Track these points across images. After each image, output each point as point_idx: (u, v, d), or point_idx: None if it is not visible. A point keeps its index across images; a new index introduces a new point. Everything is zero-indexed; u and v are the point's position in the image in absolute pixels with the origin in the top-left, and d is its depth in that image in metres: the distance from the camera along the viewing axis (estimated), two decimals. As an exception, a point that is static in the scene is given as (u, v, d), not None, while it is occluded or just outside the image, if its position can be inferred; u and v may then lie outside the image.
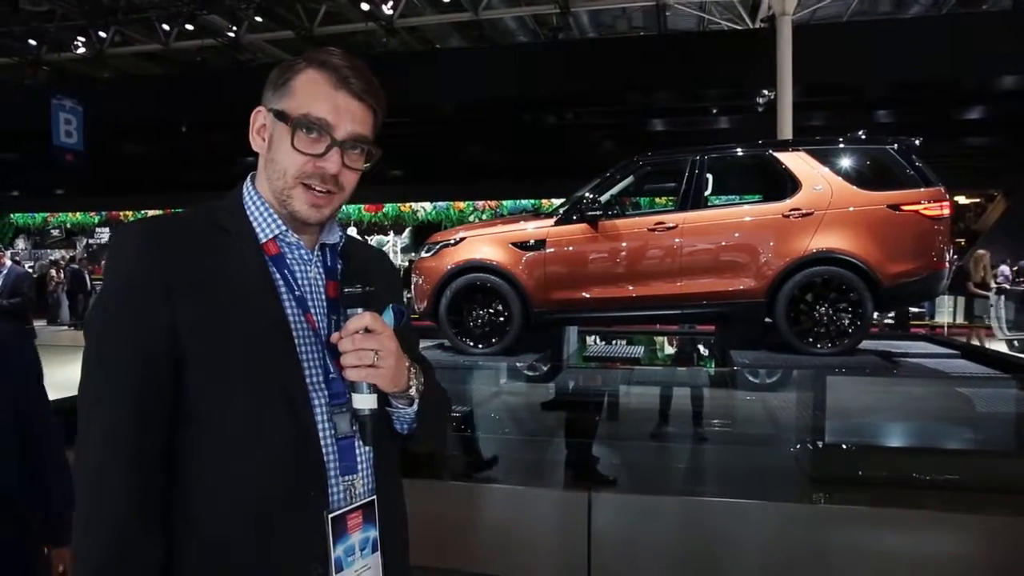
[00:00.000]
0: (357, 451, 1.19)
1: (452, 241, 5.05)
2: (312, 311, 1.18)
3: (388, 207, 21.76)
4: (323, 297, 1.21)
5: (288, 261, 1.19)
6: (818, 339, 4.38)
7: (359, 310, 1.13)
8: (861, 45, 12.91)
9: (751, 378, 5.30)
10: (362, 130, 1.17)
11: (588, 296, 4.73)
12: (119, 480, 1.05)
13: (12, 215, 24.67)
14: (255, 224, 1.19)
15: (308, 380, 1.15)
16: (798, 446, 3.97)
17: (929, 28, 13.61)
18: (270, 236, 1.19)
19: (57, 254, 23.55)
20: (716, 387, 5.02)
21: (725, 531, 3.07)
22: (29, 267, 21.45)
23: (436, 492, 3.40)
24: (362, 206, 21.74)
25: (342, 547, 1.13)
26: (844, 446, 3.84)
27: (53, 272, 19.17)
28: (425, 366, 1.33)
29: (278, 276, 1.17)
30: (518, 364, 4.82)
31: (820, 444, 3.75)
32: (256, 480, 1.10)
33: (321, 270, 1.23)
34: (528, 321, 4.82)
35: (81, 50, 18.09)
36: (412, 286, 5.28)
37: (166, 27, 17.09)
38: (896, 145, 4.52)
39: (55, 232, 25.23)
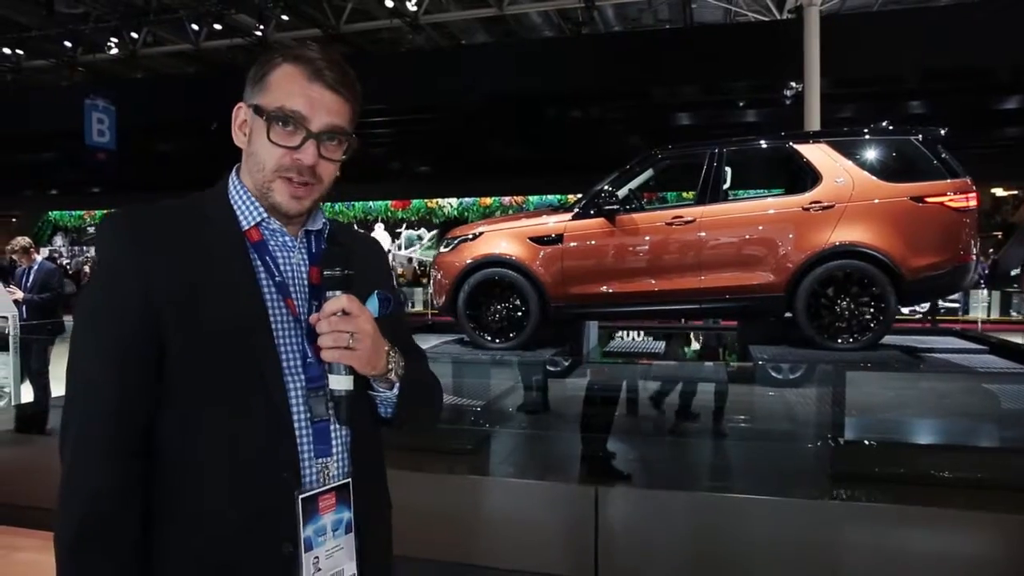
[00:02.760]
0: (332, 434, 1.22)
1: (470, 236, 5.05)
2: (293, 296, 1.21)
3: (415, 202, 21.89)
4: (305, 282, 1.24)
5: (270, 247, 1.22)
6: (839, 334, 4.31)
7: (337, 293, 1.15)
8: (893, 34, 12.66)
9: (773, 373, 5.23)
10: (338, 121, 1.19)
11: (605, 291, 4.70)
12: (98, 458, 1.09)
13: (50, 213, 25.28)
14: (238, 212, 1.22)
15: (285, 364, 1.18)
16: (818, 443, 3.91)
17: (964, 15, 13.28)
18: (252, 223, 1.21)
19: (93, 251, 24.08)
20: (734, 383, 4.96)
21: (734, 527, 3.04)
22: (66, 263, 21.98)
23: (443, 485, 3.41)
24: (389, 202, 21.90)
25: (312, 527, 1.16)
26: (866, 442, 3.78)
27: (87, 268, 19.61)
28: (417, 354, 1.36)
29: (259, 262, 1.20)
30: (539, 358, 4.81)
31: (840, 441, 3.70)
32: (229, 460, 1.13)
33: (305, 256, 1.26)
34: (546, 316, 4.81)
35: (114, 51, 18.43)
36: (431, 281, 5.29)
37: (195, 27, 17.35)
38: (920, 136, 4.42)
39: (91, 229, 25.79)
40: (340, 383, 1.15)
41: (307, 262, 1.25)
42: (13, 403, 5.83)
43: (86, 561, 1.08)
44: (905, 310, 11.43)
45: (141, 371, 1.11)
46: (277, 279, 1.20)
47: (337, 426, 1.22)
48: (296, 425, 1.17)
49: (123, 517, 1.10)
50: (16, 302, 6.47)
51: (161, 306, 1.11)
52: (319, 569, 1.16)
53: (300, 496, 1.15)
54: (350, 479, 1.23)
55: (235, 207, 1.22)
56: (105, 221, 1.18)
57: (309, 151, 1.16)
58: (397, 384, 1.24)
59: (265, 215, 1.22)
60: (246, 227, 1.21)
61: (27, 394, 6.23)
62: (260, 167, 1.19)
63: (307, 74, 1.16)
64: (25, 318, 6.43)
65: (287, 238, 1.24)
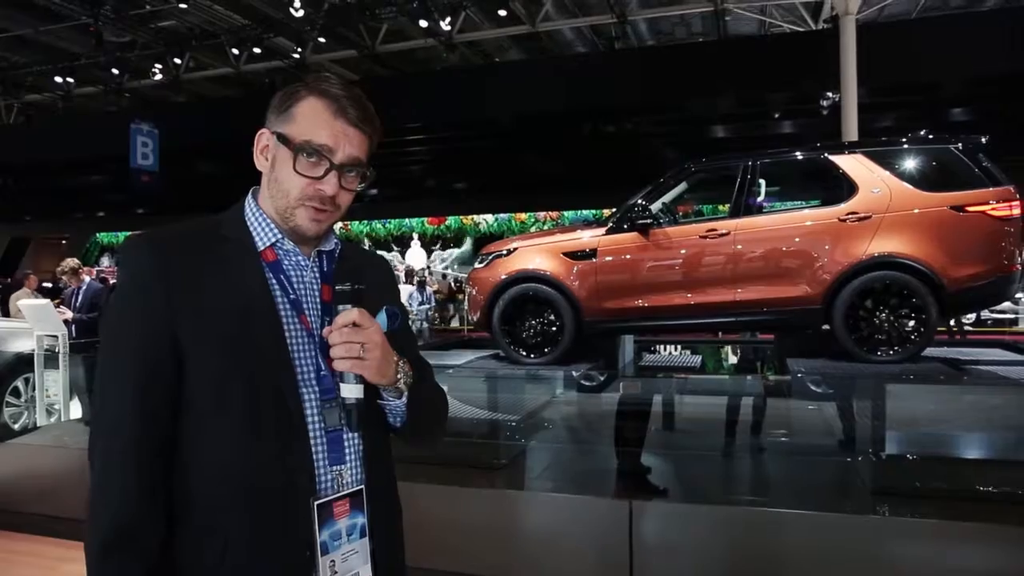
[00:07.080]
0: (345, 443, 1.27)
1: (504, 252, 5.09)
2: (306, 312, 1.27)
3: (451, 219, 22.01)
4: (318, 300, 1.30)
5: (285, 267, 1.29)
6: (879, 346, 4.24)
7: (348, 306, 1.21)
8: (934, 41, 12.42)
9: (813, 387, 5.15)
10: (358, 154, 1.26)
11: (639, 305, 4.69)
12: (124, 465, 1.15)
13: (98, 234, 26.01)
14: (254, 233, 1.29)
15: (299, 376, 1.24)
16: (859, 458, 3.84)
17: (1009, 19, 12.95)
18: (268, 244, 1.28)
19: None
20: (772, 397, 4.90)
21: (770, 541, 3.00)
22: (114, 283, 22.50)
23: (477, 499, 3.42)
24: (425, 219, 22.05)
25: (328, 532, 1.23)
26: (910, 456, 3.70)
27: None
28: (424, 368, 1.42)
29: (274, 281, 1.26)
30: (573, 373, 4.81)
31: (882, 455, 3.62)
32: (246, 468, 1.19)
33: (317, 275, 1.32)
34: (580, 331, 4.81)
35: (158, 76, 18.99)
36: (466, 297, 5.33)
37: (236, 51, 17.79)
38: (960, 144, 4.35)
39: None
40: (351, 391, 1.22)
41: (319, 280, 1.31)
42: (63, 419, 6.00)
43: (115, 564, 1.14)
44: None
45: (163, 384, 1.18)
46: (291, 296, 1.27)
47: (350, 435, 1.27)
48: (311, 434, 1.23)
49: (149, 522, 1.16)
50: (66, 321, 6.68)
51: (180, 321, 1.18)
52: (335, 572, 1.23)
53: (316, 502, 1.21)
54: (363, 486, 1.29)
55: (251, 228, 1.29)
56: (127, 244, 1.26)
57: (332, 182, 1.24)
58: (406, 394, 1.30)
59: (280, 236, 1.28)
60: (261, 247, 1.28)
61: (76, 411, 6.40)
62: (284, 194, 1.25)
63: (332, 109, 1.23)
64: (74, 337, 6.63)
65: (300, 258, 1.31)
